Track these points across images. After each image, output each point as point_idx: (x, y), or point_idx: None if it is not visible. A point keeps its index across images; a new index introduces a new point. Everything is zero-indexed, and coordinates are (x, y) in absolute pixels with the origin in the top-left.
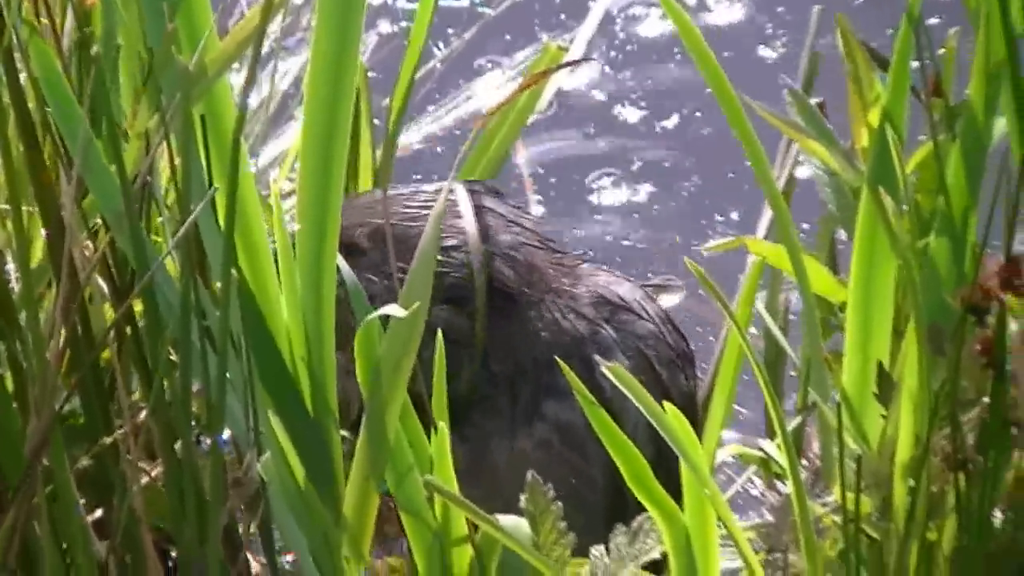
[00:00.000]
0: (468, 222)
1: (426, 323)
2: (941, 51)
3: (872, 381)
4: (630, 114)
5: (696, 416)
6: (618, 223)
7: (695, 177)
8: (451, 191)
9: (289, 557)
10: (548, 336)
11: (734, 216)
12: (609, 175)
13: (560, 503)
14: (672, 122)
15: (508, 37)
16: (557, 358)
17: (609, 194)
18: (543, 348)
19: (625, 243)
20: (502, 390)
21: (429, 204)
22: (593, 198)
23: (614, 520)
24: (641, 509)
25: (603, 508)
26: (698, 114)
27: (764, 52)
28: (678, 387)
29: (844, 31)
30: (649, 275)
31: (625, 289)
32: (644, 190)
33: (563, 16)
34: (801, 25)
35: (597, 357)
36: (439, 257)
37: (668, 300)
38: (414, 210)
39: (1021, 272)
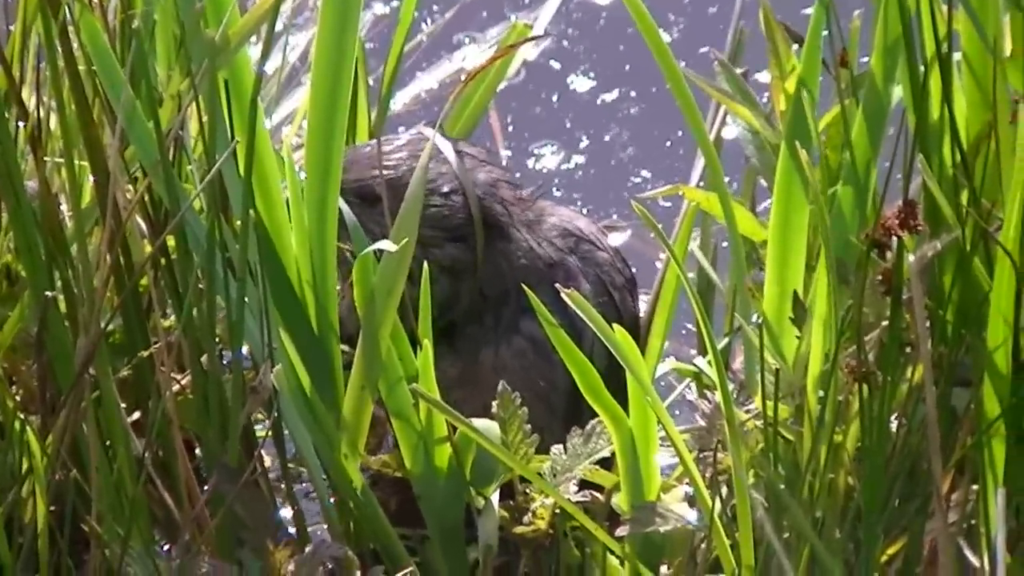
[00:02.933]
0: (457, 167)
1: (437, 260)
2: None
3: (788, 307)
4: (580, 84)
5: (639, 332)
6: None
7: (630, 149)
8: (434, 140)
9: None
10: (526, 262)
11: (658, 178)
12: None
13: (529, 405)
14: (612, 95)
15: (484, 14)
16: (524, 286)
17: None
18: (521, 273)
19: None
20: (489, 309)
21: (418, 153)
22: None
23: (575, 417)
24: (594, 411)
25: (565, 408)
26: (633, 93)
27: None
28: (627, 308)
29: (766, 12)
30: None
31: (583, 223)
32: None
33: (524, 2)
34: None
35: (558, 285)
36: (442, 201)
37: (616, 238)
38: (410, 160)
39: (916, 213)
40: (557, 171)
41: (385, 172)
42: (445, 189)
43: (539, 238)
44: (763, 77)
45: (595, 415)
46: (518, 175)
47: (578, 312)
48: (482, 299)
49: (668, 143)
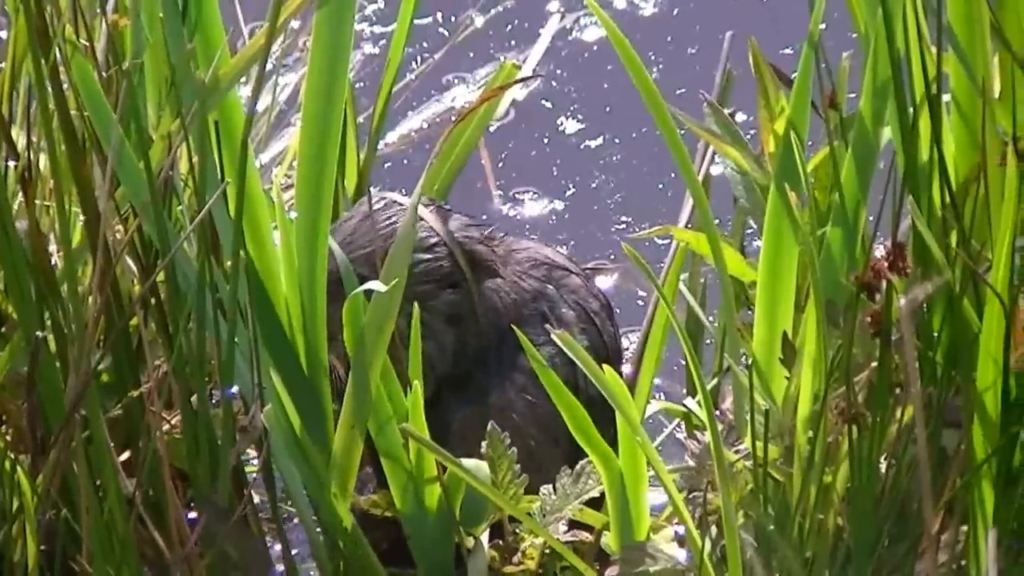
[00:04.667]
0: (433, 220)
1: (436, 308)
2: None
3: (778, 348)
4: (570, 126)
5: (621, 357)
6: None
7: (616, 195)
8: (400, 203)
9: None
10: (516, 296)
11: (642, 221)
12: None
13: (535, 439)
14: (598, 141)
15: (471, 55)
16: (516, 321)
17: (532, 206)
18: (513, 308)
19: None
20: (491, 349)
21: (395, 218)
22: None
23: (580, 448)
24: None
25: (570, 439)
26: (617, 140)
27: (685, 46)
28: (608, 332)
29: (755, 55)
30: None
31: (549, 251)
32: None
33: (513, 41)
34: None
35: (548, 327)
36: (430, 256)
37: (604, 281)
38: (390, 225)
39: (904, 256)
40: (541, 215)
41: (389, 240)
42: (430, 243)
43: (518, 272)
44: (740, 116)
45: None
46: (503, 216)
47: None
48: (485, 341)
49: (654, 187)
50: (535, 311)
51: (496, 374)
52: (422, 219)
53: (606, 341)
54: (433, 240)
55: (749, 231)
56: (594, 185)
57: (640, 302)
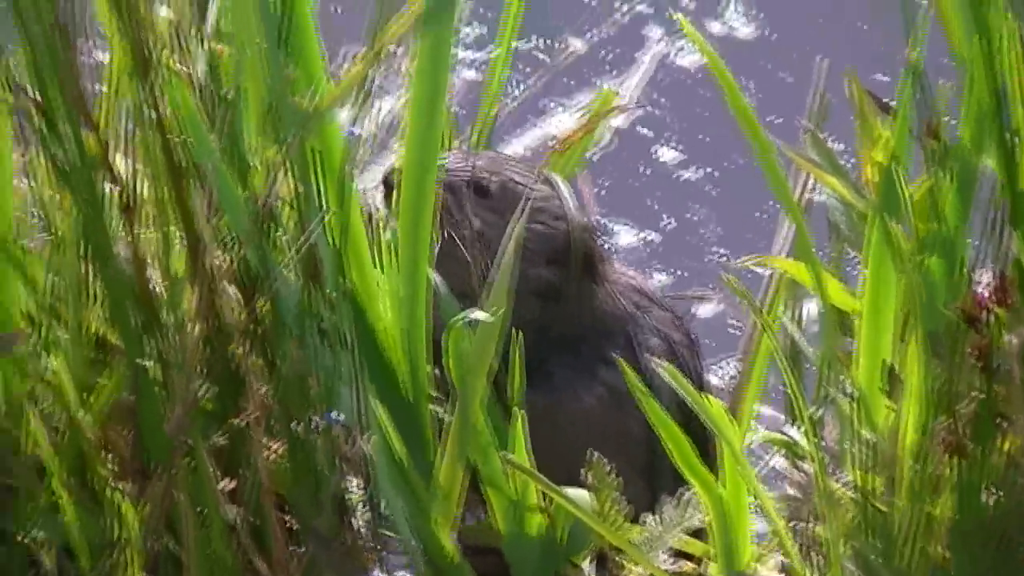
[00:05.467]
0: (567, 195)
1: (530, 281)
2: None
3: (881, 378)
4: (667, 155)
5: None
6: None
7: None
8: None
9: None
10: (607, 308)
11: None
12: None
13: (603, 453)
14: (696, 174)
15: (570, 80)
16: (605, 332)
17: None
18: (600, 316)
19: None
20: (568, 347)
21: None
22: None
23: (650, 468)
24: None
25: (641, 458)
26: (712, 171)
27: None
28: (694, 368)
29: (855, 83)
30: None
31: (649, 285)
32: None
33: (611, 67)
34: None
35: (653, 357)
36: (551, 222)
37: (706, 309)
38: (526, 178)
39: (1007, 288)
40: (635, 245)
41: (505, 173)
42: (555, 212)
43: (614, 289)
44: (832, 144)
45: (669, 466)
46: None
47: (662, 374)
48: (568, 333)
49: (749, 219)
50: (621, 331)
51: (573, 375)
52: (555, 185)
53: (691, 376)
54: (557, 210)
55: (846, 261)
56: (691, 216)
57: (732, 330)
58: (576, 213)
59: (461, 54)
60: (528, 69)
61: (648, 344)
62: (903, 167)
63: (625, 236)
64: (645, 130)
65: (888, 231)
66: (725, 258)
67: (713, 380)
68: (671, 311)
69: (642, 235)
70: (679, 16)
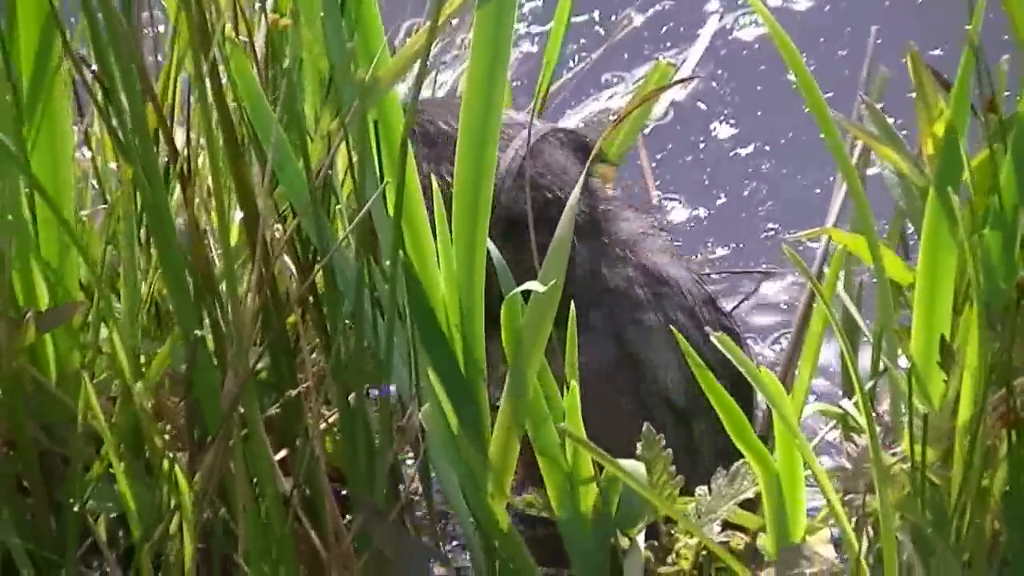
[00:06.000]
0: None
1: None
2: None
3: (936, 351)
4: (723, 131)
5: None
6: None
7: (768, 203)
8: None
9: None
10: (605, 279)
11: (787, 227)
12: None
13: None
14: (749, 149)
15: (627, 55)
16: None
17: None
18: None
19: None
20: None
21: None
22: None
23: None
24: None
25: (634, 434)
26: (767, 148)
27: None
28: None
29: (914, 57)
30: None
31: (675, 270)
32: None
33: (670, 40)
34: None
35: (709, 330)
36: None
37: (771, 286)
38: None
39: None
40: (689, 219)
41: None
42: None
43: (617, 264)
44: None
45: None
46: None
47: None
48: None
49: (802, 194)
50: (611, 302)
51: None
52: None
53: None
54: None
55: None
56: (744, 192)
57: (783, 305)
58: (509, 164)
59: (520, 27)
60: (586, 42)
61: (641, 319)
62: (963, 140)
63: (679, 212)
64: (702, 104)
65: (947, 203)
66: (777, 234)
67: (769, 355)
68: (691, 295)
69: (695, 212)
70: None
